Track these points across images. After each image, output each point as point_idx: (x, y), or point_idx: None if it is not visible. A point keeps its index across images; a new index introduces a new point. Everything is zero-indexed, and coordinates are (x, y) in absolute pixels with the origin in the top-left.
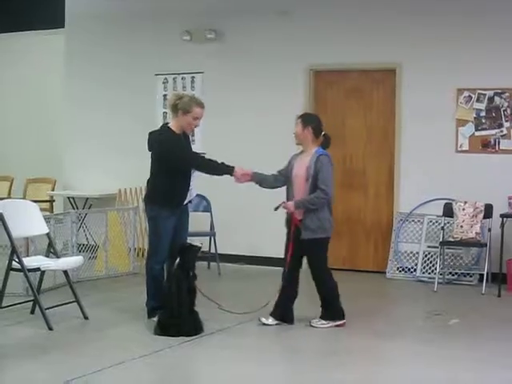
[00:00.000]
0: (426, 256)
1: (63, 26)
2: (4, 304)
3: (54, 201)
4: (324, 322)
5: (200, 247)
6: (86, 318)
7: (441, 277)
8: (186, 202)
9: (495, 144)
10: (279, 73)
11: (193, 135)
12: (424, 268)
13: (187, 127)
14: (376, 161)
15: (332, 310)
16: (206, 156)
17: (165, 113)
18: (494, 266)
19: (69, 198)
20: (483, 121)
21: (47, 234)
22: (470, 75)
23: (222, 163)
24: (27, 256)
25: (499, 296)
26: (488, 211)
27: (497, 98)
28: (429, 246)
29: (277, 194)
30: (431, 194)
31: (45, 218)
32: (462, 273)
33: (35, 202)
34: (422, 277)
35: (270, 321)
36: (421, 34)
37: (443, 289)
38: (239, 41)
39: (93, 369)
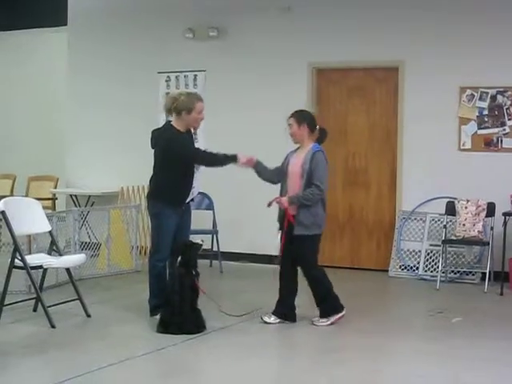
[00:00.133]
0: (428, 254)
1: (66, 24)
2: (6, 302)
3: (56, 199)
4: (325, 319)
5: (201, 245)
6: (88, 315)
7: (443, 275)
8: (188, 200)
9: (498, 142)
10: (282, 71)
11: (195, 133)
12: (426, 266)
13: (194, 123)
14: (378, 159)
15: (328, 304)
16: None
17: None
18: (496, 264)
19: (71, 195)
20: (486, 119)
21: (50, 232)
22: (472, 73)
23: (224, 154)
24: (29, 254)
25: (501, 294)
26: (490, 210)
27: (499, 97)
28: (431, 245)
29: (278, 193)
30: (434, 192)
31: (47, 216)
32: (464, 271)
33: (38, 199)
34: (424, 275)
35: (272, 319)
36: (423, 32)
37: (445, 287)
38: (242, 38)
39: (95, 366)
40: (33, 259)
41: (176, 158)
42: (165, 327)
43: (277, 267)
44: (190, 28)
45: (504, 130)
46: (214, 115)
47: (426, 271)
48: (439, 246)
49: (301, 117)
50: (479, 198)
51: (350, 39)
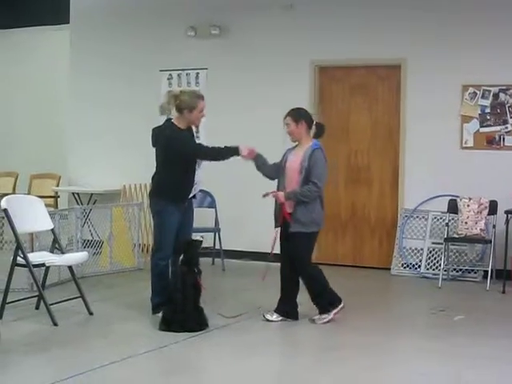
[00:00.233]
0: (430, 252)
1: (68, 22)
2: (9, 300)
3: (58, 196)
4: (325, 315)
5: (201, 241)
6: (90, 313)
7: (445, 273)
8: (190, 196)
9: (500, 140)
10: (284, 69)
11: (197, 131)
12: (428, 264)
13: (196, 121)
14: (381, 157)
15: (325, 300)
16: None
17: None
18: (498, 262)
19: (73, 193)
20: (488, 117)
21: (52, 230)
22: (475, 72)
23: (226, 146)
24: (32, 252)
25: (504, 292)
26: (493, 208)
27: (502, 95)
28: (433, 243)
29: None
30: (436, 190)
31: (49, 214)
32: (466, 269)
33: (40, 197)
34: (426, 273)
35: (275, 317)
36: (426, 31)
37: (448, 285)
38: (244, 37)
39: (98, 364)
40: (35, 257)
41: (177, 156)
42: (167, 325)
43: (275, 265)
44: (192, 26)
45: (506, 128)
46: (215, 113)
47: (428, 269)
48: (441, 244)
49: (297, 115)
50: (481, 196)
51: (352, 37)
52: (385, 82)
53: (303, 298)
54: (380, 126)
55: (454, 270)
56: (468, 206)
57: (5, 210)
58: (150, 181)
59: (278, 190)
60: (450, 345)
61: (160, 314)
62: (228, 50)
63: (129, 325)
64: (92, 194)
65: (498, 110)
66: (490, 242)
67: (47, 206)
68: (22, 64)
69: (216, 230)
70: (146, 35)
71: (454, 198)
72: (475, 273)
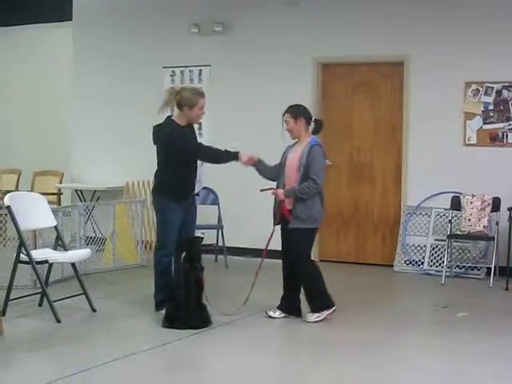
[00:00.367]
0: (433, 249)
1: (71, 19)
2: (12, 296)
3: (61, 193)
4: (317, 314)
5: (202, 237)
6: (93, 310)
7: (448, 270)
8: (193, 194)
9: (503, 137)
10: (287, 66)
11: (200, 128)
12: (431, 261)
13: (196, 119)
14: (384, 154)
15: (318, 300)
16: None
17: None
18: (501, 259)
19: (76, 190)
20: (491, 114)
21: (55, 227)
22: (478, 68)
23: (226, 150)
24: (35, 248)
25: (507, 289)
26: (496, 204)
27: (505, 92)
28: (436, 240)
29: None
30: (439, 187)
31: (52, 211)
32: (469, 266)
33: (43, 194)
34: (429, 270)
35: (277, 314)
36: (429, 28)
37: (451, 282)
38: (247, 34)
39: (101, 361)
40: (38, 254)
41: (178, 153)
42: (170, 322)
43: (274, 262)
44: (195, 23)
45: (509, 124)
46: (218, 110)
47: (431, 266)
48: (444, 240)
49: (296, 111)
50: (484, 193)
51: (355, 34)
52: (387, 79)
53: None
54: (383, 123)
55: (457, 266)
56: (471, 202)
57: (8, 207)
58: (153, 178)
59: (278, 187)
60: (453, 342)
61: (163, 311)
62: (231, 47)
63: (132, 322)
64: (95, 191)
65: (501, 107)
66: (493, 238)
67: (50, 202)
68: (25, 61)
69: (219, 227)
70: (149, 32)
71: (457, 194)
72: (478, 270)
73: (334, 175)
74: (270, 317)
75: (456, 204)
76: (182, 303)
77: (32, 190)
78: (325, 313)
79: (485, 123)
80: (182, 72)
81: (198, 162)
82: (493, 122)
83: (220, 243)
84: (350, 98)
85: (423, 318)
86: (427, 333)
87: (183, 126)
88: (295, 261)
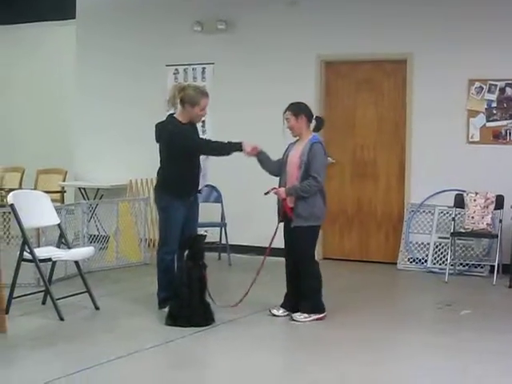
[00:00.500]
0: (436, 247)
1: (74, 17)
2: (15, 294)
3: (64, 191)
4: (306, 315)
5: (205, 235)
6: (97, 308)
7: (452, 268)
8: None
9: (506, 135)
10: (290, 64)
11: (203, 125)
12: (435, 259)
13: (197, 118)
14: (387, 151)
15: (312, 302)
16: None
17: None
18: (504, 257)
19: (80, 188)
20: (494, 112)
21: (58, 225)
22: (481, 66)
23: (229, 142)
24: (38, 247)
25: (510, 287)
26: (499, 202)
27: (508, 89)
28: (440, 237)
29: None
30: (442, 184)
31: (56, 209)
32: (472, 264)
33: (46, 192)
34: (432, 268)
35: (281, 312)
36: (432, 25)
37: (454, 280)
38: (250, 32)
39: (104, 359)
40: (41, 252)
41: (180, 150)
42: (173, 320)
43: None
44: (199, 21)
45: None
46: (222, 108)
47: (434, 264)
48: (448, 238)
49: (297, 109)
50: (488, 191)
51: (358, 32)
52: (391, 76)
53: None
54: (386, 120)
55: (461, 264)
56: (474, 200)
57: (11, 205)
58: (156, 176)
59: (280, 185)
60: (457, 339)
61: (166, 309)
62: (234, 45)
63: (135, 319)
64: (98, 189)
65: (505, 105)
66: (497, 236)
67: (53, 201)
68: (29, 60)
69: (222, 224)
70: (153, 30)
71: (460, 192)
72: (482, 267)
73: (337, 173)
74: (274, 315)
75: (459, 202)
76: (185, 301)
77: (35, 188)
78: (314, 316)
79: (488, 121)
80: (185, 70)
81: (202, 156)
82: (496, 120)
83: (223, 241)
84: (353, 95)
85: (426, 316)
86: (430, 331)
87: (185, 123)
88: (299, 259)
